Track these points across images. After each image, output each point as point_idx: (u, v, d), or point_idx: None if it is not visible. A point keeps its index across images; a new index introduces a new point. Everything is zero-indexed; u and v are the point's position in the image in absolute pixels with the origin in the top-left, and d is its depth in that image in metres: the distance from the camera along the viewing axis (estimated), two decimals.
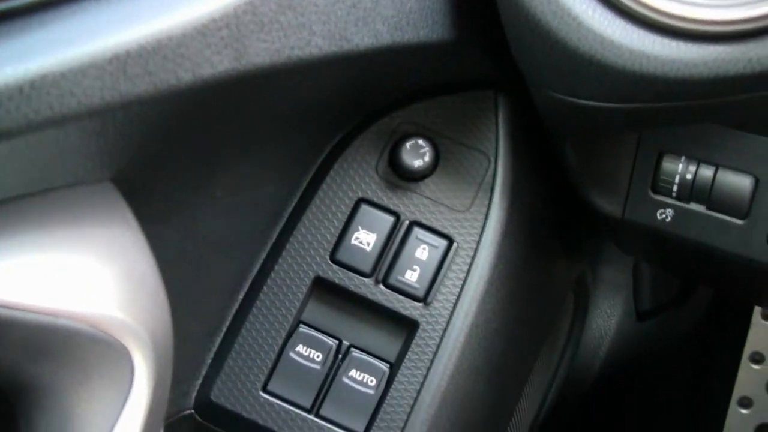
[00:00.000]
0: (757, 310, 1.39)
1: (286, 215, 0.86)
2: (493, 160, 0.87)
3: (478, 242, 0.86)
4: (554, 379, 1.18)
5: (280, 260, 0.86)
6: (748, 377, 1.37)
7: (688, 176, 0.82)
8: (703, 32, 0.71)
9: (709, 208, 0.82)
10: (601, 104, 0.76)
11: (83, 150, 0.55)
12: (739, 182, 0.81)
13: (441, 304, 0.86)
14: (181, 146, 0.65)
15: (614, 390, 1.31)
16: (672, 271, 1.19)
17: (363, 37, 0.66)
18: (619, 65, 0.72)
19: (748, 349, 1.38)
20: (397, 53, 0.72)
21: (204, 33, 0.55)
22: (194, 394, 0.86)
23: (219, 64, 0.57)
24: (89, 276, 0.56)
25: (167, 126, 0.59)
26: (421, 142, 0.85)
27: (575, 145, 0.86)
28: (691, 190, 0.82)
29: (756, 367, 1.38)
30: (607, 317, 1.29)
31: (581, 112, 0.78)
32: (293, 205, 0.86)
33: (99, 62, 0.51)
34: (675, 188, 0.82)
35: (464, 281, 0.86)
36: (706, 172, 0.81)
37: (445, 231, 0.86)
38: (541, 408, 1.17)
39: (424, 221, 0.86)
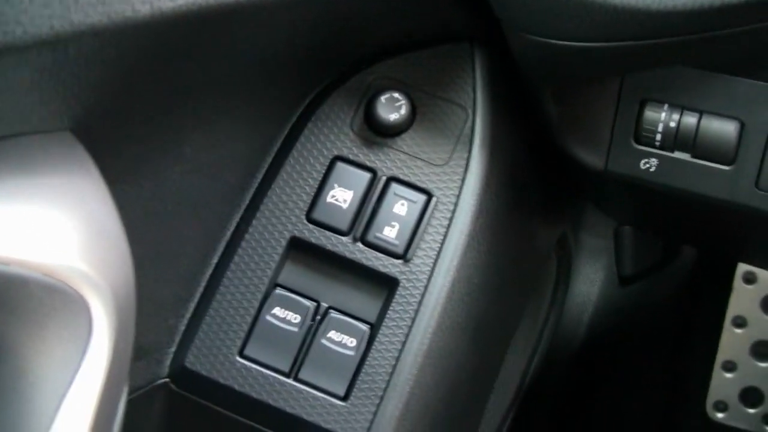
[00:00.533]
0: (739, 275, 1.37)
1: (259, 175, 0.84)
2: (470, 112, 0.84)
3: (458, 196, 0.84)
4: (538, 344, 1.16)
5: (254, 221, 0.83)
6: (731, 341, 1.36)
7: (672, 124, 0.79)
8: None
9: (694, 155, 0.80)
10: (581, 44, 0.74)
11: (36, 92, 0.52)
12: (725, 128, 0.79)
13: (421, 261, 0.83)
14: (144, 95, 0.62)
15: (598, 356, 1.30)
16: (655, 229, 1.17)
17: None
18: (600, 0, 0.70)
19: (730, 313, 1.37)
20: None
21: None
22: (168, 363, 0.84)
23: None
24: (44, 224, 0.53)
25: (126, 68, 0.56)
26: (396, 95, 0.83)
27: (555, 96, 0.84)
28: (675, 139, 0.80)
29: (738, 331, 1.37)
30: (590, 283, 1.28)
31: (561, 55, 0.76)
32: (267, 164, 0.84)
33: None
34: (658, 137, 0.80)
35: (444, 236, 0.83)
36: (690, 119, 0.79)
37: (424, 186, 0.84)
38: (526, 374, 1.15)
39: (401, 176, 0.84)
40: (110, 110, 0.59)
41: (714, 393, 1.33)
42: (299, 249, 0.84)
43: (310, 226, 0.84)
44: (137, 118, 0.63)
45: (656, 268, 1.31)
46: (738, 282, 1.37)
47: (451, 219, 0.84)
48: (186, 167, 0.73)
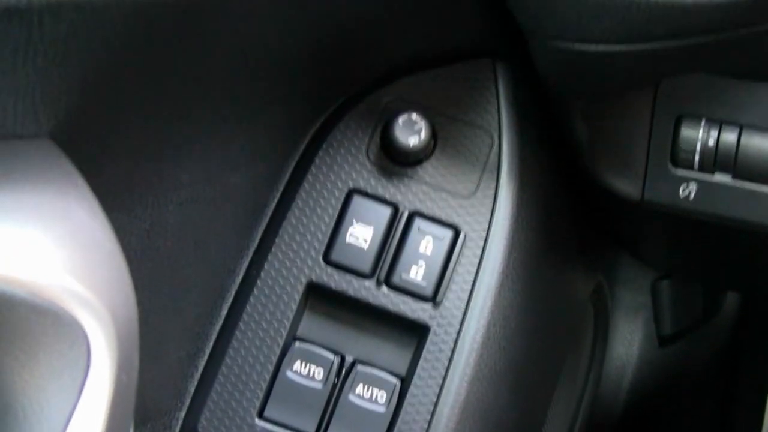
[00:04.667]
0: None
1: (269, 210, 0.77)
2: (496, 137, 0.78)
3: (488, 230, 0.77)
4: (578, 409, 1.07)
5: (266, 265, 0.77)
6: None
7: (711, 142, 0.74)
8: None
9: (735, 176, 0.74)
10: (612, 47, 0.68)
11: (6, 81, 0.46)
12: (766, 144, 0.73)
13: (452, 303, 0.76)
14: (132, 99, 0.56)
15: (639, 423, 1.22)
16: (696, 272, 1.10)
17: None
18: None
19: None
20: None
21: None
22: (178, 428, 0.76)
23: None
24: (25, 238, 0.46)
25: (111, 58, 0.50)
26: (414, 117, 0.76)
27: (585, 115, 0.78)
28: (715, 159, 0.74)
29: None
30: (628, 344, 1.20)
31: (590, 62, 0.70)
32: (276, 198, 0.77)
33: None
34: (697, 157, 0.74)
35: (476, 275, 0.77)
36: (730, 135, 0.73)
37: (450, 220, 0.77)
38: None
39: (425, 211, 0.77)
40: (96, 116, 0.52)
41: None
42: (318, 295, 0.77)
43: (329, 268, 0.77)
44: (127, 129, 0.57)
45: (697, 326, 1.24)
46: None
47: (481, 256, 0.77)
48: (184, 196, 0.66)
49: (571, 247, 0.93)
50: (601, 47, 0.68)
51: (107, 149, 0.56)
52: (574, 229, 0.92)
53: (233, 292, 0.77)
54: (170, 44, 0.54)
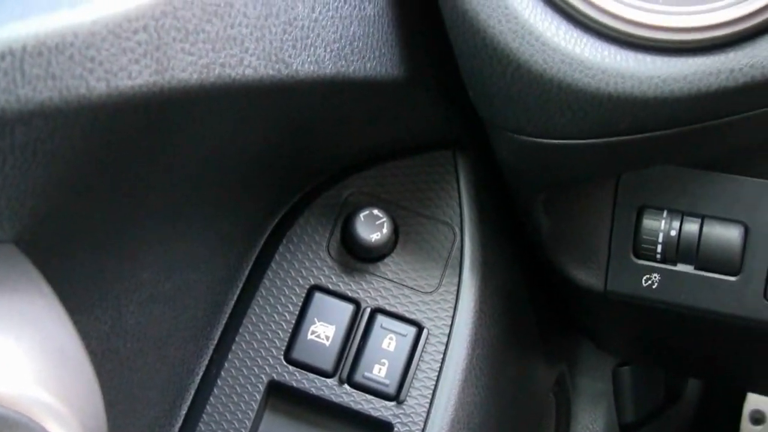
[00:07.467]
0: (746, 414, 1.29)
1: (228, 308, 0.75)
2: (458, 231, 0.77)
3: (451, 326, 0.76)
4: None
5: (226, 364, 0.75)
6: None
7: (673, 233, 0.74)
8: (679, 43, 0.64)
9: (698, 267, 0.74)
10: (575, 142, 0.68)
11: None
12: (728, 234, 0.73)
13: (416, 401, 0.75)
14: (97, 201, 0.55)
15: None
16: (658, 359, 1.09)
17: (303, 62, 0.58)
18: (592, 87, 0.64)
19: None
20: (343, 91, 0.63)
21: (117, 34, 0.46)
22: None
23: (138, 74, 0.47)
24: None
25: (78, 161, 0.49)
26: (376, 212, 0.75)
27: (546, 206, 0.78)
28: (677, 250, 0.74)
29: None
30: None
31: (553, 156, 0.70)
32: (236, 295, 0.76)
33: None
34: (659, 249, 0.74)
35: (439, 372, 0.75)
36: (692, 226, 0.73)
37: (413, 317, 0.76)
38: None
39: (387, 307, 0.76)
40: (58, 219, 0.51)
41: None
42: (279, 395, 0.75)
43: (290, 367, 0.75)
44: (90, 230, 0.56)
45: (659, 413, 1.23)
46: (745, 423, 1.30)
47: (445, 353, 0.76)
48: (145, 295, 0.64)
49: (534, 338, 0.92)
50: (562, 142, 0.68)
51: (70, 252, 0.55)
52: (536, 319, 0.92)
53: (192, 392, 0.75)
54: (133, 149, 0.53)
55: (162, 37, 0.48)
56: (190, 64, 0.50)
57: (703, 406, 1.27)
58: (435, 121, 0.76)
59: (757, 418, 1.30)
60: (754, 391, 1.20)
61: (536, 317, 0.91)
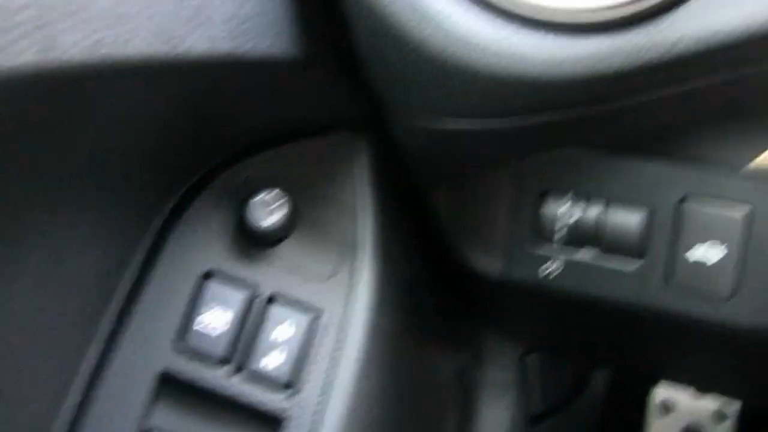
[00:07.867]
0: (655, 403, 1.31)
1: (120, 297, 0.73)
2: (356, 215, 0.76)
3: (347, 313, 0.74)
4: None
5: (115, 354, 0.72)
6: None
7: (575, 217, 0.73)
8: (575, 23, 0.63)
9: (602, 251, 0.73)
10: (473, 126, 0.67)
11: None
12: (632, 218, 0.72)
13: (310, 391, 0.73)
14: None
15: None
16: (564, 348, 1.09)
17: (196, 40, 0.56)
18: (489, 69, 0.63)
19: None
20: (239, 70, 0.61)
21: (4, 8, 0.44)
22: None
23: (20, 54, 0.45)
24: None
25: None
26: (272, 195, 0.73)
27: (446, 191, 0.76)
28: (580, 233, 0.73)
29: None
30: (497, 425, 1.18)
31: (450, 138, 0.69)
32: (129, 283, 0.73)
33: None
34: (562, 233, 0.73)
35: (336, 360, 0.73)
36: (596, 209, 0.72)
37: (309, 303, 0.74)
38: None
39: (284, 293, 0.74)
40: None
41: None
42: (171, 385, 0.73)
43: (182, 356, 0.73)
44: None
45: (566, 403, 1.23)
46: (654, 411, 1.31)
47: (341, 340, 0.74)
48: (31, 282, 0.62)
49: (436, 326, 0.91)
50: (461, 123, 0.67)
51: None
52: (438, 306, 0.90)
53: (81, 384, 0.72)
54: (18, 130, 0.51)
55: (48, 14, 0.46)
56: (75, 44, 0.48)
57: (612, 396, 1.27)
58: (336, 102, 0.74)
59: (666, 406, 1.31)
60: (663, 378, 1.21)
61: (438, 305, 0.90)
